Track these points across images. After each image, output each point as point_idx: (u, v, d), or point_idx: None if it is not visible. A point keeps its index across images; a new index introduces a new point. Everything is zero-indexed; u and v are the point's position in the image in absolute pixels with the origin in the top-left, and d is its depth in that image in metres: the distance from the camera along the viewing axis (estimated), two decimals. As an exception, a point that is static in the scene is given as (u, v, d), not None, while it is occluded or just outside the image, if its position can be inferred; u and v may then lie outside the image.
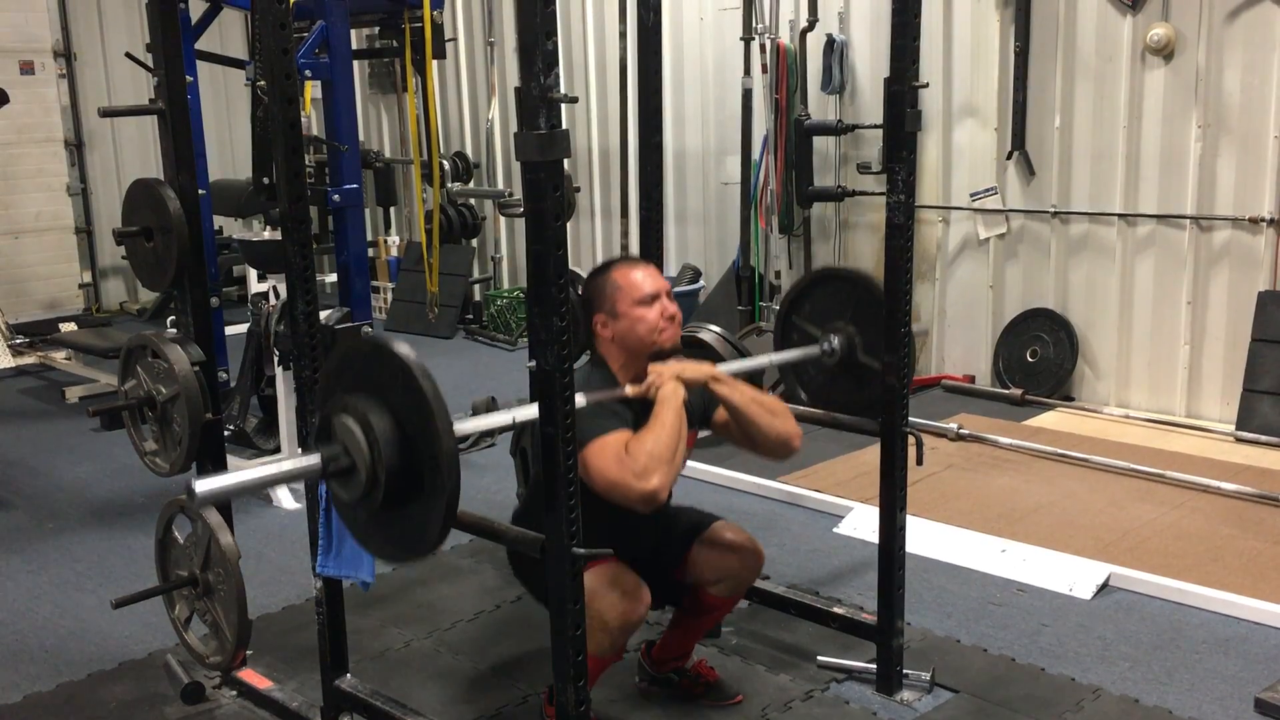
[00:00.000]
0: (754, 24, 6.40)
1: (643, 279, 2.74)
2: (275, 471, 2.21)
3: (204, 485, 2.07)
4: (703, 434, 2.98)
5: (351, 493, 2.20)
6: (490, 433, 5.18)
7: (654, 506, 2.53)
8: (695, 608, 3.05)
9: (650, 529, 2.78)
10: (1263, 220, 5.20)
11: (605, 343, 2.76)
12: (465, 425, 2.27)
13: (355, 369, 2.24)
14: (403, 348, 2.14)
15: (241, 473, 2.15)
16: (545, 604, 2.70)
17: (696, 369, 2.73)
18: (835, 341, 3.19)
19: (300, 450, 2.93)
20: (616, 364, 2.76)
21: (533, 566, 2.78)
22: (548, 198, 2.07)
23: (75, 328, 7.63)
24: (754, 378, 4.07)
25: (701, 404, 2.86)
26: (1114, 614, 3.62)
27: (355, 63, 6.56)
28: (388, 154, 8.92)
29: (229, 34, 8.81)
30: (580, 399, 2.27)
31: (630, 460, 2.49)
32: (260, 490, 2.21)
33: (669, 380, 2.65)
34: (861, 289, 3.19)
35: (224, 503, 3.11)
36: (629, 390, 2.67)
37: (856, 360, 3.18)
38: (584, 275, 3.81)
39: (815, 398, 3.33)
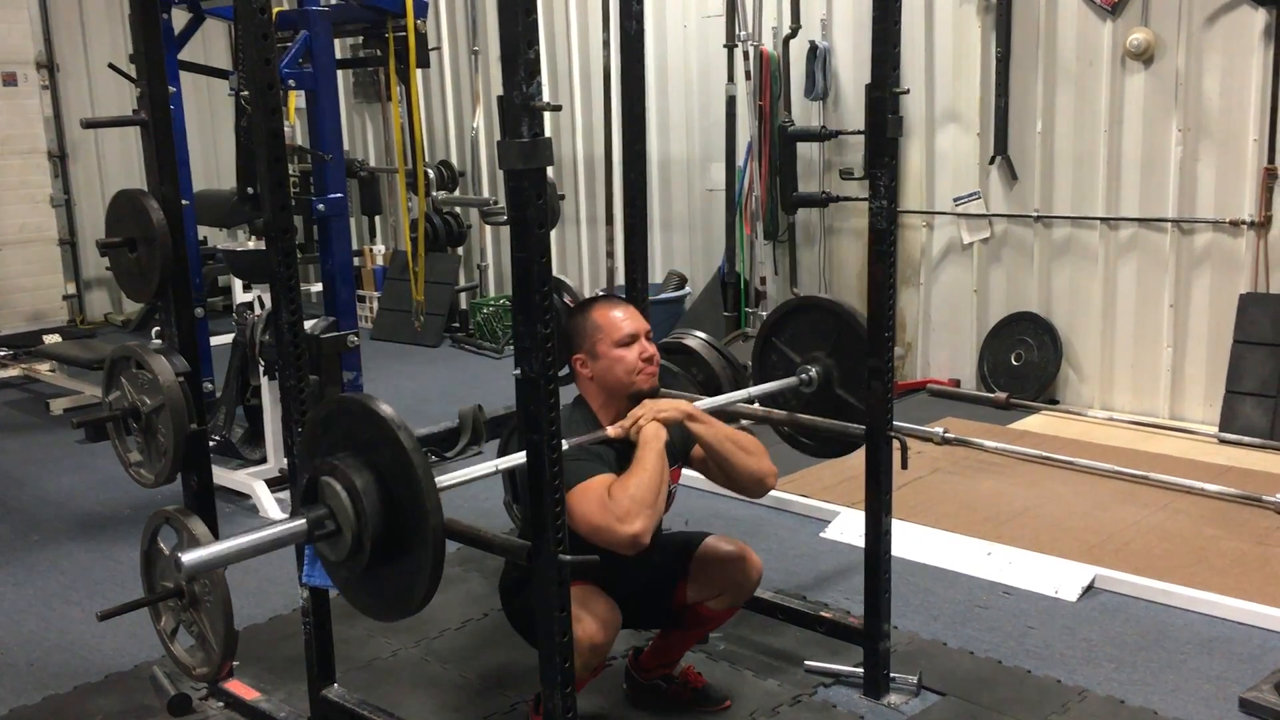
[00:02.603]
0: (737, 31, 6.42)
1: (622, 319, 2.77)
2: (262, 537, 2.23)
3: (191, 557, 2.12)
4: (685, 471, 3.01)
5: (337, 554, 2.24)
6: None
7: (637, 550, 2.54)
8: (693, 621, 3.05)
9: (640, 563, 2.76)
10: (1243, 223, 5.24)
11: (585, 381, 2.81)
12: (447, 478, 2.32)
13: (342, 428, 2.27)
14: (388, 410, 2.17)
15: (230, 542, 2.19)
16: (524, 636, 2.74)
17: (673, 408, 2.73)
18: (813, 372, 3.25)
19: (285, 459, 2.93)
20: (597, 403, 2.80)
21: (515, 597, 2.81)
22: (531, 205, 2.08)
23: (59, 339, 7.60)
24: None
25: (682, 440, 2.88)
26: (1099, 616, 3.64)
27: (339, 72, 6.56)
28: (372, 163, 8.91)
29: (212, 44, 8.80)
30: (563, 444, 2.29)
31: (613, 504, 2.51)
32: (248, 558, 2.29)
33: (650, 422, 2.66)
34: (843, 322, 3.22)
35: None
36: (610, 431, 2.69)
37: (833, 392, 3.23)
38: (568, 282, 3.83)
39: (799, 429, 3.38)
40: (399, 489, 2.16)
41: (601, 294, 3.30)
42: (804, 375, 3.26)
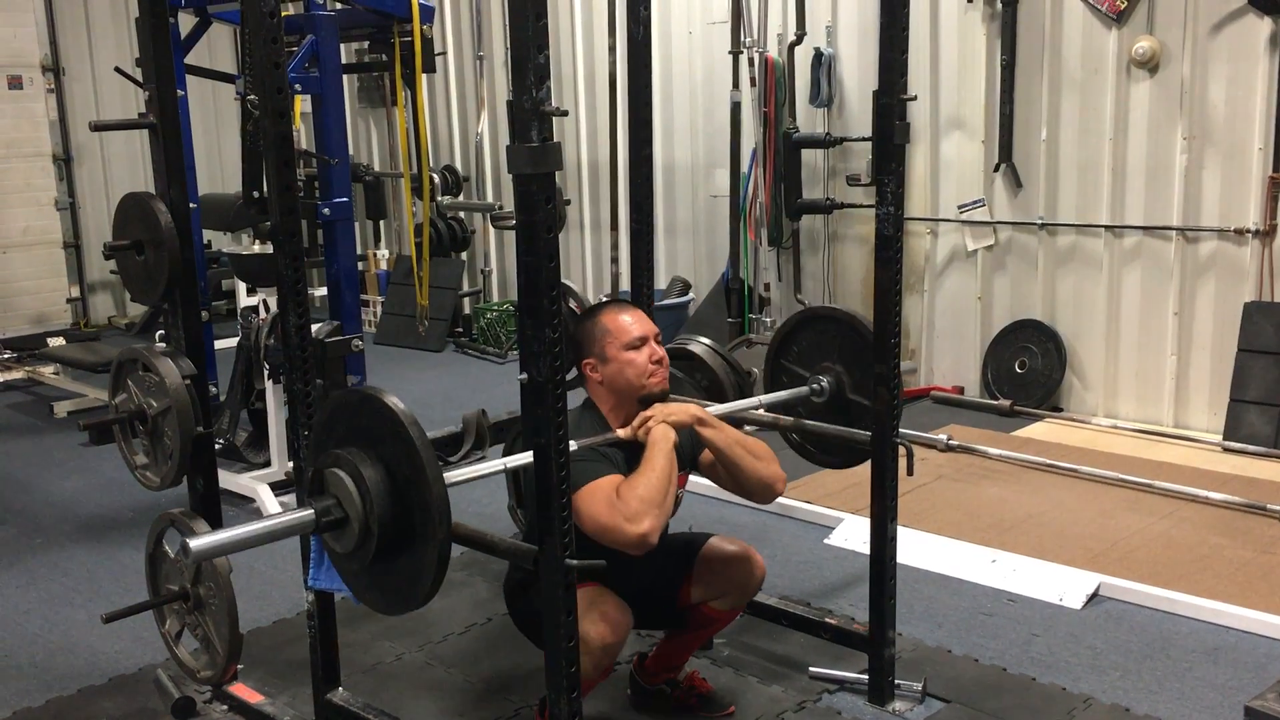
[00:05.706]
0: (742, 38, 6.43)
1: (631, 323, 2.79)
2: (270, 525, 2.25)
3: (199, 543, 2.14)
4: (693, 478, 3.01)
5: (345, 544, 2.25)
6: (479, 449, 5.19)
7: (645, 550, 2.54)
8: (697, 622, 3.05)
9: (644, 564, 2.77)
10: (1248, 231, 5.24)
11: (595, 386, 2.82)
12: (454, 474, 2.32)
13: (345, 421, 2.28)
14: (391, 398, 2.18)
15: (237, 529, 2.22)
16: (530, 637, 2.74)
17: (683, 411, 2.75)
18: (824, 381, 3.24)
19: (289, 462, 2.93)
20: (607, 406, 2.81)
21: (519, 598, 2.82)
22: (540, 210, 2.08)
23: (63, 342, 7.61)
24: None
25: (690, 445, 2.89)
26: (1104, 623, 3.64)
27: (345, 77, 6.57)
28: (377, 168, 8.92)
29: (218, 48, 8.82)
30: (572, 444, 2.30)
31: (621, 504, 2.52)
32: (255, 546, 2.33)
33: (659, 424, 2.67)
34: (847, 327, 3.22)
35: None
36: (620, 433, 2.71)
37: (845, 398, 3.22)
38: (574, 288, 3.84)
39: (807, 437, 3.39)
40: (405, 477, 2.16)
41: (608, 299, 3.32)
42: (815, 385, 3.25)
